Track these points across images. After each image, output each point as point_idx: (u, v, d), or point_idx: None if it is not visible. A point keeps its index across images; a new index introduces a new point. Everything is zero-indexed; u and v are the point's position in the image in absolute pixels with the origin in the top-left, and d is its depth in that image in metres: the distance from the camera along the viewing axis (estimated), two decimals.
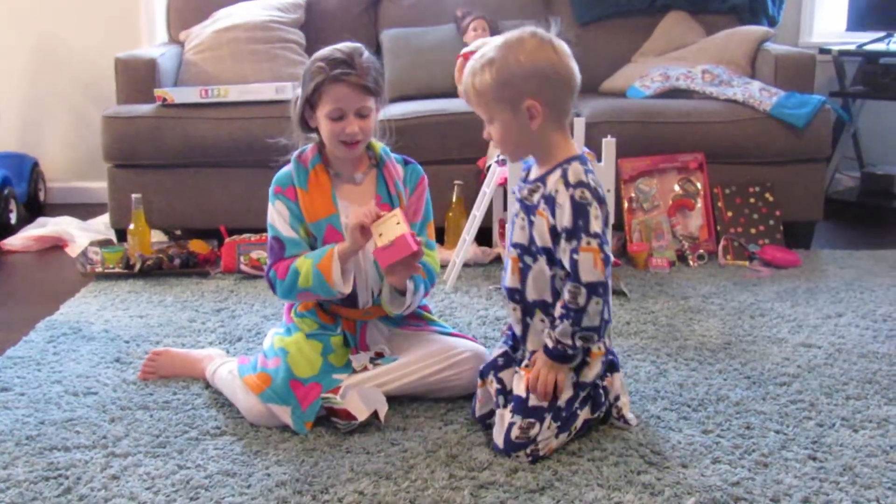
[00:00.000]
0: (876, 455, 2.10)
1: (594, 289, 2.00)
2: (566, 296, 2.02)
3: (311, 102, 2.34)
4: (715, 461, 2.07)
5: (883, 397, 2.40)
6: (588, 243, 1.98)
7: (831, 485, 1.97)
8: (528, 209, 2.09)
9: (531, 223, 2.08)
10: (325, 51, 2.34)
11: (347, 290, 2.32)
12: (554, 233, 2.04)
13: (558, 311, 2.05)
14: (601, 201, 2.02)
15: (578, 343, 2.05)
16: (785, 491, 1.95)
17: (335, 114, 2.30)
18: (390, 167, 2.44)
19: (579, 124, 3.05)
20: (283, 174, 2.42)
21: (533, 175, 2.11)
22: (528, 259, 2.10)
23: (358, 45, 2.36)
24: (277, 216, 2.40)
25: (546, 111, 2.00)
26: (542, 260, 2.08)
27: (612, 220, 2.10)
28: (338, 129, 2.31)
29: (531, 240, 2.09)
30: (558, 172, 2.03)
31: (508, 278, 2.15)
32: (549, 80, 1.99)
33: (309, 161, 2.40)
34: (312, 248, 2.38)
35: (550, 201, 2.03)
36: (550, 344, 2.07)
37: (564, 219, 2.00)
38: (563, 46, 2.02)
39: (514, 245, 2.12)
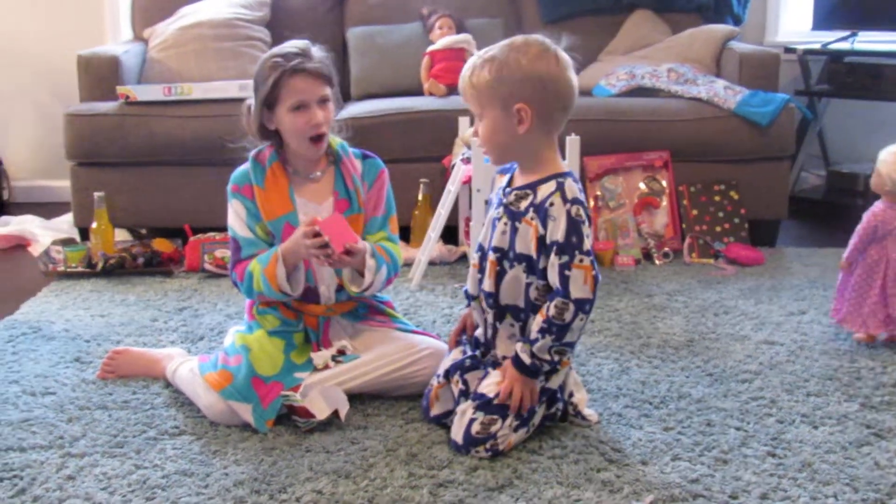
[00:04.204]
0: (835, 451, 2.11)
1: (582, 305, 2.01)
2: (552, 311, 2.02)
3: (269, 102, 2.32)
4: (675, 458, 2.08)
5: (843, 394, 2.41)
6: (581, 261, 2.00)
7: (790, 481, 1.98)
8: (514, 215, 2.08)
9: (515, 229, 2.07)
10: (275, 49, 2.36)
11: (296, 292, 2.33)
12: (541, 243, 2.03)
13: (538, 325, 2.04)
14: (590, 222, 2.04)
15: (556, 357, 2.05)
16: (743, 487, 1.95)
17: (298, 105, 2.29)
18: (347, 163, 2.44)
19: (574, 143, 3.05)
20: (240, 172, 2.41)
21: (518, 182, 2.11)
22: (505, 264, 2.10)
23: (307, 40, 2.37)
24: (234, 216, 2.39)
25: (535, 118, 2.00)
26: (519, 267, 2.08)
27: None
28: (302, 121, 2.30)
29: (511, 245, 2.08)
30: (552, 184, 2.03)
31: (486, 282, 2.14)
32: (544, 88, 1.99)
33: (266, 159, 2.39)
34: (272, 246, 2.37)
35: (542, 211, 2.02)
36: (528, 360, 2.06)
37: (558, 233, 2.00)
38: (567, 60, 2.02)
39: (494, 249, 2.12)
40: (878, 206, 2.74)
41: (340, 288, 2.42)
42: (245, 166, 2.41)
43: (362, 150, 2.51)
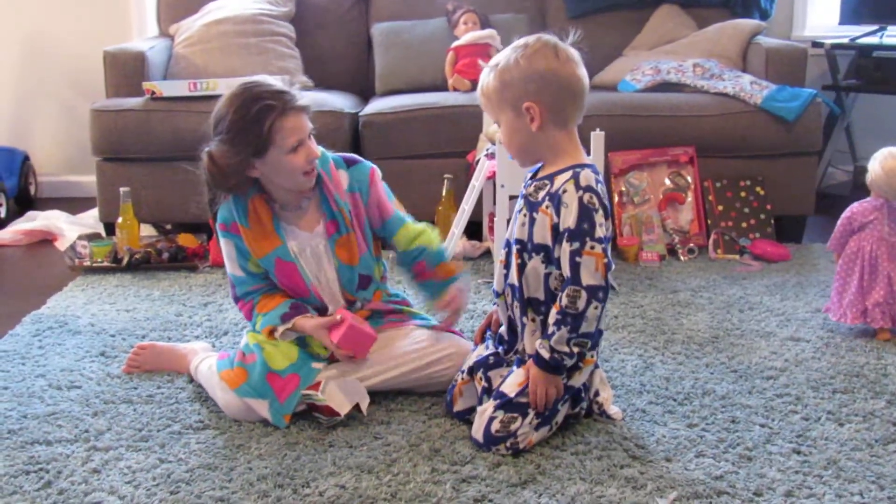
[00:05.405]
0: (861, 449, 2.09)
1: (594, 292, 2.00)
2: (564, 301, 2.01)
3: (260, 149, 2.19)
4: (699, 455, 2.06)
5: (869, 391, 2.39)
6: (592, 248, 1.99)
7: (815, 478, 1.97)
8: (532, 206, 2.08)
9: (532, 220, 2.07)
10: (254, 91, 2.19)
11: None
12: (555, 231, 2.03)
13: (553, 317, 2.04)
14: (607, 213, 2.02)
15: (575, 350, 2.04)
16: (768, 485, 1.94)
17: (298, 144, 2.22)
18: (328, 182, 2.34)
19: (598, 139, 3.04)
20: (225, 210, 2.34)
21: (541, 174, 2.11)
22: (525, 256, 2.10)
23: (274, 75, 2.29)
24: (225, 255, 2.38)
25: (545, 114, 2.01)
26: (537, 258, 2.07)
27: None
28: (300, 159, 2.23)
29: (529, 236, 2.08)
30: (569, 174, 2.03)
31: (512, 275, 2.14)
32: (546, 83, 2.00)
33: (246, 192, 2.32)
34: (266, 279, 2.38)
35: (556, 199, 2.02)
36: (546, 355, 2.05)
37: (569, 219, 1.99)
38: (569, 53, 2.02)
39: (516, 241, 2.12)
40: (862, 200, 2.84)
41: (350, 301, 2.41)
42: (228, 202, 2.33)
43: (343, 156, 2.41)
